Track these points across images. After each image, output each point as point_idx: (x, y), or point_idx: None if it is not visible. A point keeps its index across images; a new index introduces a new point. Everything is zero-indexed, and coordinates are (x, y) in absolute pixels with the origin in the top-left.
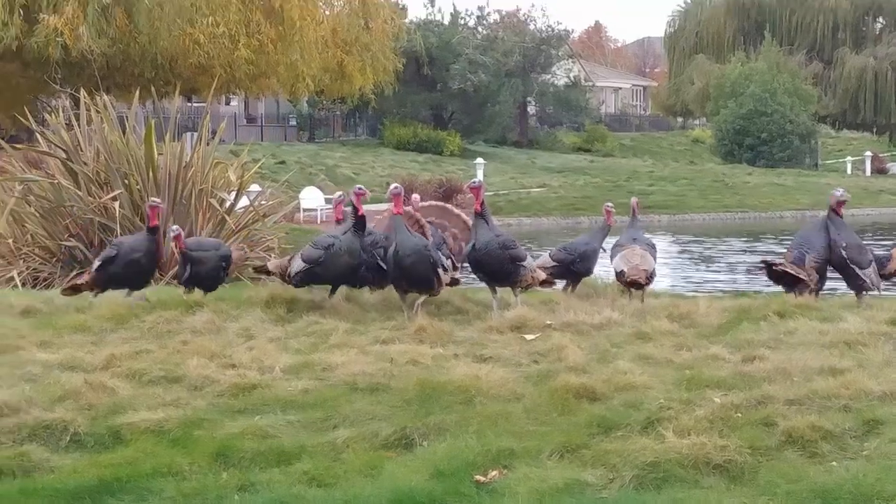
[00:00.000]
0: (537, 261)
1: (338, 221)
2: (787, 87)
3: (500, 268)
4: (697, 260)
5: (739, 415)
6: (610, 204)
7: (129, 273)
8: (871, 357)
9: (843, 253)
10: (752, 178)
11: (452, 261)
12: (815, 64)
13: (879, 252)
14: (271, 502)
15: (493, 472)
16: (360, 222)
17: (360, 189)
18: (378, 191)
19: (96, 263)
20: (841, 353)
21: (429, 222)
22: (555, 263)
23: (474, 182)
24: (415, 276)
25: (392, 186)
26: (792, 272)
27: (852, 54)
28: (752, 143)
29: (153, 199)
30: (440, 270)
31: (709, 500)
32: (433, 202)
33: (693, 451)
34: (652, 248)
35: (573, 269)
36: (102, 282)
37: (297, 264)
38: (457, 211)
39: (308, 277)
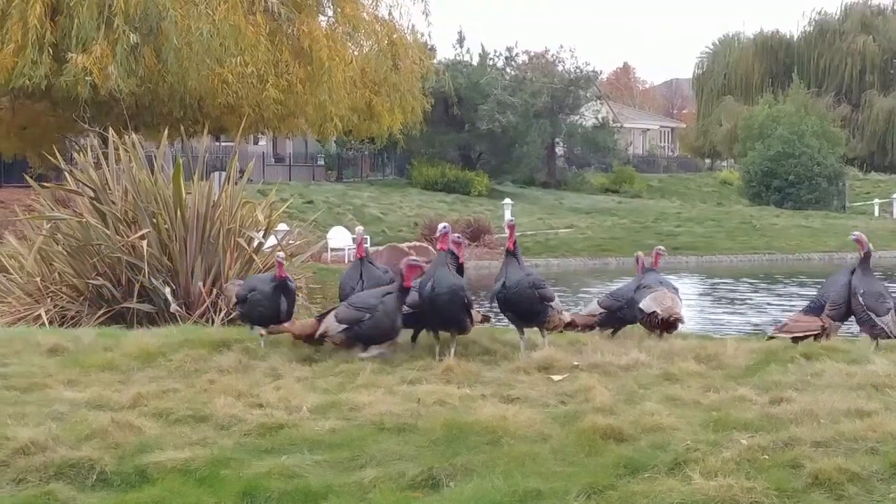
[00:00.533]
0: (587, 308)
1: (360, 259)
2: (814, 130)
3: (529, 307)
4: (725, 301)
5: (766, 457)
6: (661, 248)
7: (379, 333)
8: None
9: (861, 300)
10: (779, 220)
11: None
12: (843, 106)
13: None
14: None
15: None
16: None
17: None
18: (405, 230)
19: (340, 327)
20: (868, 395)
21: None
22: (603, 310)
23: (509, 221)
24: (447, 314)
25: (441, 226)
26: (801, 334)
27: (880, 97)
28: (780, 184)
29: (412, 258)
30: (473, 311)
31: None
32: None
33: (720, 492)
34: (676, 291)
35: (620, 315)
36: (352, 343)
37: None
38: (407, 248)
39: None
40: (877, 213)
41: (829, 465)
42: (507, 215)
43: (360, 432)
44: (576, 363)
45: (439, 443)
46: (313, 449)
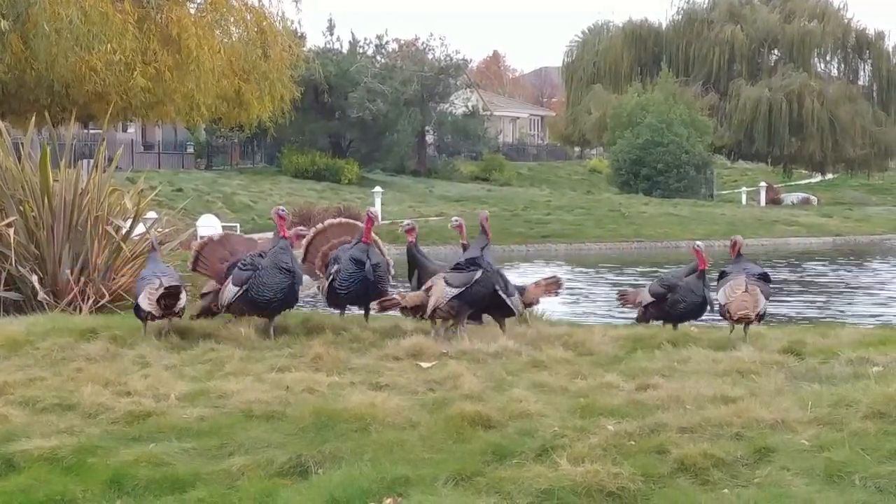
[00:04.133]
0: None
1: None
2: (683, 118)
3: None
4: (595, 287)
5: (633, 442)
6: (699, 244)
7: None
8: (763, 385)
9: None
10: (648, 208)
11: None
12: (711, 95)
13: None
14: None
15: (388, 500)
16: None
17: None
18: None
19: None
20: (734, 381)
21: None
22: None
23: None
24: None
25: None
26: None
27: (747, 86)
28: (649, 173)
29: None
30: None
31: None
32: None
33: (586, 478)
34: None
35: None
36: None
37: None
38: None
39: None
40: (744, 202)
41: (694, 450)
42: (378, 203)
43: (229, 420)
44: (444, 350)
45: (308, 430)
46: (181, 437)
